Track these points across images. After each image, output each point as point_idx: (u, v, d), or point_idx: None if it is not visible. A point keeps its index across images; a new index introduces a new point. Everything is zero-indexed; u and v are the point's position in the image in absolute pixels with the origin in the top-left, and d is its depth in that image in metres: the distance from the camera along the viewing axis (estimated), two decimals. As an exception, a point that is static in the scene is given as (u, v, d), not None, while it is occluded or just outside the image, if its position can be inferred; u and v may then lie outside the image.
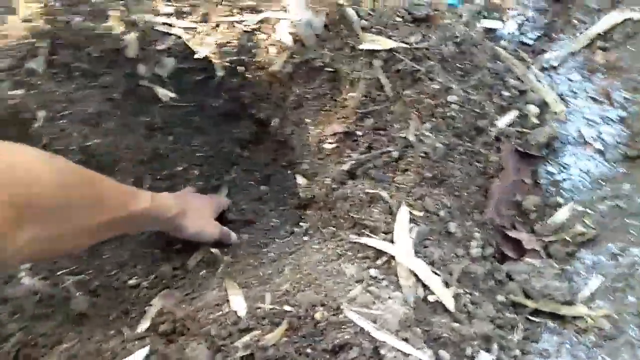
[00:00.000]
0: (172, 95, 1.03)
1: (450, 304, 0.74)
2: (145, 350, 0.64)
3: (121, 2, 0.95)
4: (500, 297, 0.80)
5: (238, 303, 0.72)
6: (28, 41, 0.85)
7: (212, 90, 1.07)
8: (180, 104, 1.06)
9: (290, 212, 1.05)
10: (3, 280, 0.73)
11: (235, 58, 0.97)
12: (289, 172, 1.11)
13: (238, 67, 1.00)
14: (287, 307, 0.72)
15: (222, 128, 1.13)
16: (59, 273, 0.80)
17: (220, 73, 1.00)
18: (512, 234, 0.85)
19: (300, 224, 0.98)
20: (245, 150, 1.16)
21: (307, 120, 0.99)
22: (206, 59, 0.99)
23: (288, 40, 0.93)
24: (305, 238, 0.94)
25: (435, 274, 0.75)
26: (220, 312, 0.72)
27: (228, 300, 0.77)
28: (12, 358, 0.64)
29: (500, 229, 0.86)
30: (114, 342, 0.68)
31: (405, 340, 0.65)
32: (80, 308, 0.78)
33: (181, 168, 1.13)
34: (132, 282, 0.89)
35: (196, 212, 0.89)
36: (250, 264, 0.90)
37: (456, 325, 0.72)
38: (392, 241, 0.79)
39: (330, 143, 0.93)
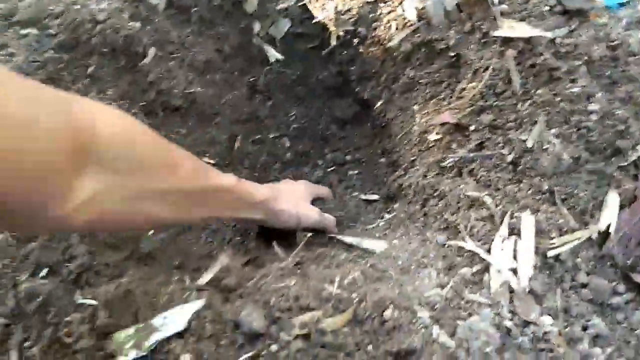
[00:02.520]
0: (280, 57, 1.00)
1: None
2: (200, 302, 0.60)
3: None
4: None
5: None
6: (155, -24, 0.85)
7: (322, 60, 1.02)
8: (286, 70, 1.03)
9: (378, 202, 0.98)
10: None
11: (351, 28, 0.92)
12: (383, 159, 1.03)
13: (353, 39, 0.94)
14: (354, 296, 0.65)
15: (323, 102, 1.08)
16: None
17: (333, 42, 0.95)
18: (637, 277, 0.71)
19: (385, 215, 0.91)
20: (342, 129, 1.11)
21: (415, 107, 0.91)
22: (322, 25, 0.94)
23: (413, 16, 0.85)
24: (387, 232, 0.86)
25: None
26: (284, 284, 0.67)
27: (293, 274, 0.71)
28: (73, 279, 0.62)
29: (623, 269, 0.72)
30: (173, 287, 0.65)
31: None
32: (149, 248, 0.77)
33: (273, 136, 1.10)
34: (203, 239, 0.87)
35: (290, 194, 0.84)
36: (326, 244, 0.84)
37: None
38: (488, 252, 0.69)
39: (436, 134, 0.84)
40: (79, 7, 0.80)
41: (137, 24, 0.84)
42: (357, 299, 0.63)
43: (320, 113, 1.10)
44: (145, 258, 0.76)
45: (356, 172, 1.07)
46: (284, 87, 1.06)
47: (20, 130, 0.34)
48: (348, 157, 1.09)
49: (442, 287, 0.66)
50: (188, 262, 0.80)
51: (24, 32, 0.77)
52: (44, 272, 0.62)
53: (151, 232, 0.78)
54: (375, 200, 0.99)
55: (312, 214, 0.85)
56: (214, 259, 0.77)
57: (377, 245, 0.79)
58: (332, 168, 1.08)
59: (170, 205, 0.54)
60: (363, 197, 1.01)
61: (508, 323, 0.61)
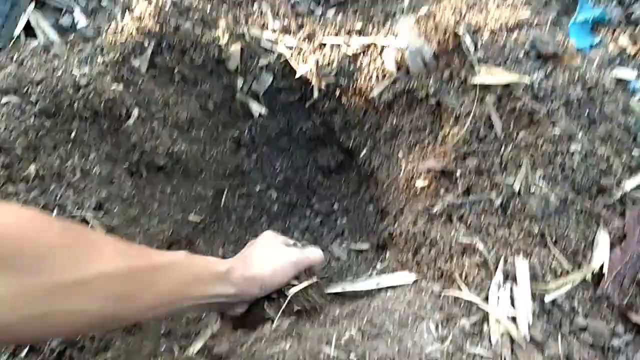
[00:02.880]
0: (264, 112, 1.00)
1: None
2: (191, 374, 0.58)
3: (231, 13, 0.95)
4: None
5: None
6: (136, 39, 0.86)
7: (305, 112, 1.03)
8: (270, 123, 1.04)
9: (368, 251, 0.96)
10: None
11: (333, 81, 0.93)
12: (371, 207, 1.03)
13: (335, 91, 0.95)
14: (352, 357, 0.63)
15: (308, 153, 1.09)
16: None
17: (315, 95, 0.96)
18: (635, 317, 0.70)
19: (377, 265, 0.89)
20: (328, 179, 1.11)
21: (400, 154, 0.92)
22: (304, 79, 0.95)
23: (392, 67, 0.87)
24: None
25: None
26: (278, 349, 0.65)
27: (288, 336, 0.69)
28: (55, 357, 0.59)
29: (620, 309, 0.71)
30: (162, 359, 0.63)
31: None
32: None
33: (259, 189, 1.10)
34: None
35: (258, 251, 0.72)
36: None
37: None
38: (486, 300, 0.68)
39: (423, 180, 0.84)
40: (60, 73, 0.80)
41: (120, 87, 0.84)
42: (355, 360, 0.61)
43: (305, 163, 1.10)
44: (131, 328, 0.73)
45: (344, 221, 1.06)
46: (268, 140, 1.07)
47: None
48: (335, 206, 1.08)
49: (442, 340, 0.64)
50: (176, 328, 0.77)
51: (4, 100, 0.77)
52: (25, 351, 0.59)
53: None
54: (365, 250, 0.98)
55: (289, 262, 0.70)
56: (202, 324, 0.75)
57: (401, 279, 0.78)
58: (320, 219, 1.07)
59: (94, 299, 0.45)
60: (353, 246, 1.00)
61: (512, 376, 0.59)
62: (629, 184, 0.77)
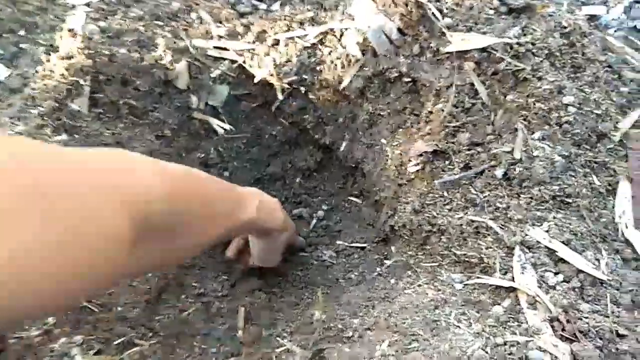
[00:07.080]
0: (227, 126, 0.92)
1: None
2: None
3: (168, 28, 0.86)
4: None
5: None
6: (69, 80, 0.76)
7: (271, 116, 0.95)
8: (235, 135, 0.95)
9: (370, 249, 0.91)
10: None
11: (295, 78, 0.86)
12: (361, 201, 0.97)
13: (300, 88, 0.88)
14: (392, 375, 0.57)
15: (282, 158, 1.01)
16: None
17: (279, 96, 0.88)
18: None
19: (385, 261, 0.84)
20: (310, 180, 1.04)
21: (383, 141, 0.86)
22: (264, 82, 0.87)
23: (356, 51, 0.80)
24: (393, 280, 0.80)
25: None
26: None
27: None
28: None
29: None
30: None
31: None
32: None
33: (240, 205, 1.02)
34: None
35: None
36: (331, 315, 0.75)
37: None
38: (512, 280, 0.64)
39: (415, 165, 0.78)
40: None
41: (64, 136, 0.74)
42: (396, 381, 0.56)
43: (283, 169, 1.02)
44: None
45: (337, 220, 1.00)
46: (238, 154, 0.98)
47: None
48: (324, 207, 1.02)
49: (479, 334, 0.60)
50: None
51: None
52: None
53: None
54: (363, 247, 0.92)
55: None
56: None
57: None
58: (312, 222, 1.01)
59: (204, 246, 0.58)
60: (353, 244, 0.94)
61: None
62: (625, 123, 0.74)
